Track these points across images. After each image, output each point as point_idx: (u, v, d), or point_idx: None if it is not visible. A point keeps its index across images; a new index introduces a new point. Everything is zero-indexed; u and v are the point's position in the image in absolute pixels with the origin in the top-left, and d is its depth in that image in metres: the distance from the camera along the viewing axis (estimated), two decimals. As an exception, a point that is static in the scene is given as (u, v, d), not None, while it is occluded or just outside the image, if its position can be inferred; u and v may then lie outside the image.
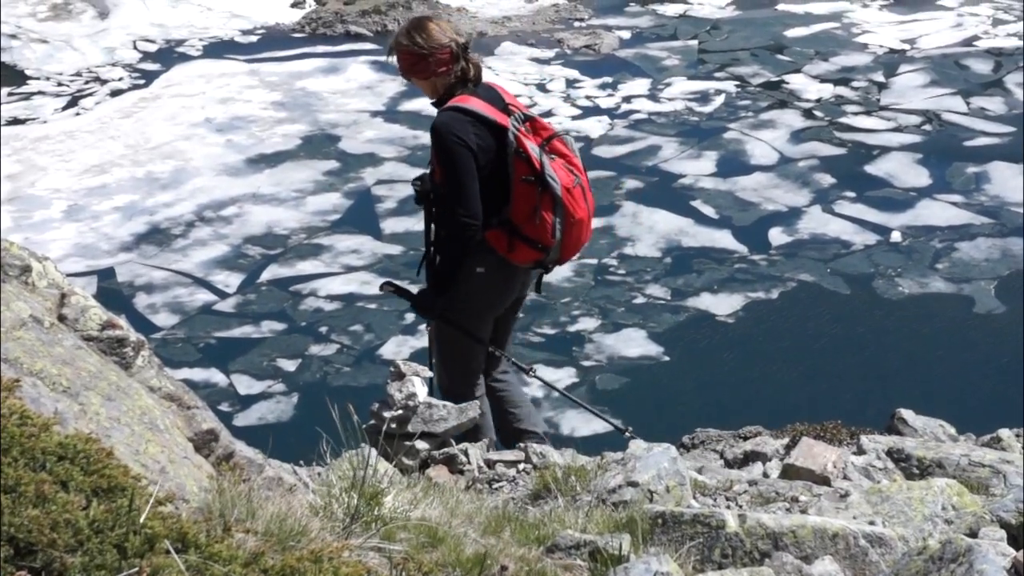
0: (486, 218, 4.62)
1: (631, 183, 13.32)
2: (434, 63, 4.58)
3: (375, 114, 15.24)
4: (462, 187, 4.50)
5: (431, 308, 4.88)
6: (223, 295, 11.05)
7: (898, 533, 3.34)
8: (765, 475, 4.78)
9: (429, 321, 5.17)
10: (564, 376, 9.66)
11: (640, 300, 10.83)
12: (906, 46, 18.08)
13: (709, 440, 5.69)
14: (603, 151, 14.29)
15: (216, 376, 9.70)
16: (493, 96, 4.70)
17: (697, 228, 12.23)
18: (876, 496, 3.82)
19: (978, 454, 4.69)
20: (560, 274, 11.26)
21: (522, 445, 4.79)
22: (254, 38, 18.96)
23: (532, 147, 4.57)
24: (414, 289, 5.07)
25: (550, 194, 4.57)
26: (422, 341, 10.16)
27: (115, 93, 16.41)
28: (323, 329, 10.36)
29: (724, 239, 12.01)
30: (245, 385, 9.53)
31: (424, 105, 15.86)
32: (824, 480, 4.38)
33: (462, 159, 4.50)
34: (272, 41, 18.56)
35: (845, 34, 18.71)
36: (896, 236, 12.01)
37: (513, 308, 5.19)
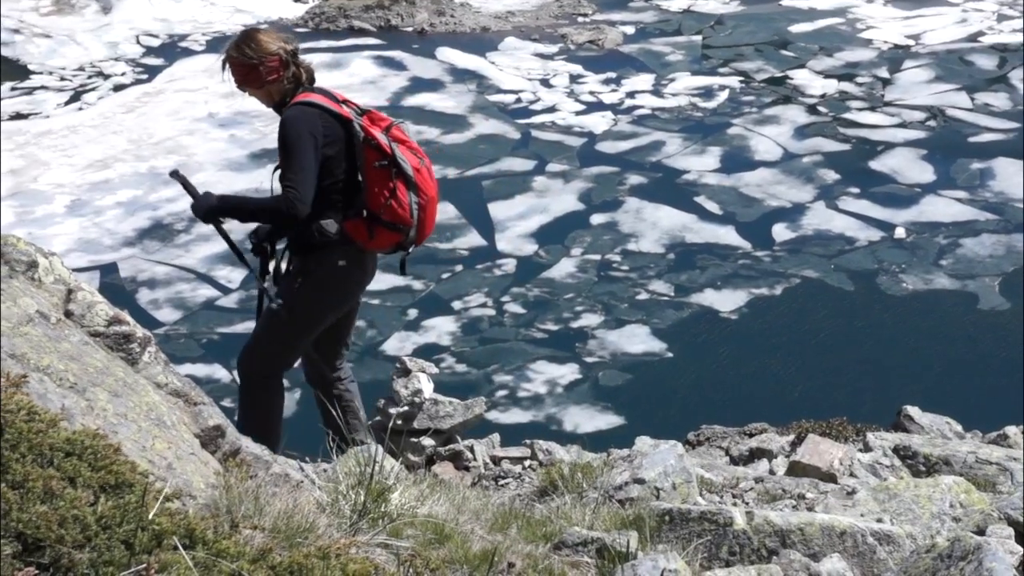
0: (343, 211, 4.68)
1: (634, 179, 13.31)
2: (265, 71, 4.70)
3: (379, 108, 15.19)
4: (301, 171, 4.61)
5: (205, 212, 4.87)
6: (226, 291, 11.05)
7: (906, 531, 3.33)
8: (771, 472, 4.77)
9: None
10: (567, 372, 9.66)
11: (643, 296, 10.82)
12: (911, 42, 18.06)
13: (715, 437, 5.68)
14: (606, 147, 14.27)
15: (219, 372, 9.69)
16: (327, 94, 4.79)
17: (701, 224, 12.22)
18: (883, 493, 3.80)
19: (985, 451, 4.68)
20: (563, 270, 11.26)
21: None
22: (257, 33, 18.93)
23: (379, 134, 4.67)
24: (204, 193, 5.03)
25: (403, 175, 4.66)
26: (425, 337, 10.17)
27: (118, 88, 16.41)
28: (326, 324, 10.34)
29: (728, 235, 11.99)
30: (248, 380, 9.50)
31: (429, 100, 15.87)
32: (831, 477, 4.37)
33: (306, 146, 4.63)
34: (275, 36, 18.53)
35: (849, 29, 18.68)
36: (900, 232, 11.99)
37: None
